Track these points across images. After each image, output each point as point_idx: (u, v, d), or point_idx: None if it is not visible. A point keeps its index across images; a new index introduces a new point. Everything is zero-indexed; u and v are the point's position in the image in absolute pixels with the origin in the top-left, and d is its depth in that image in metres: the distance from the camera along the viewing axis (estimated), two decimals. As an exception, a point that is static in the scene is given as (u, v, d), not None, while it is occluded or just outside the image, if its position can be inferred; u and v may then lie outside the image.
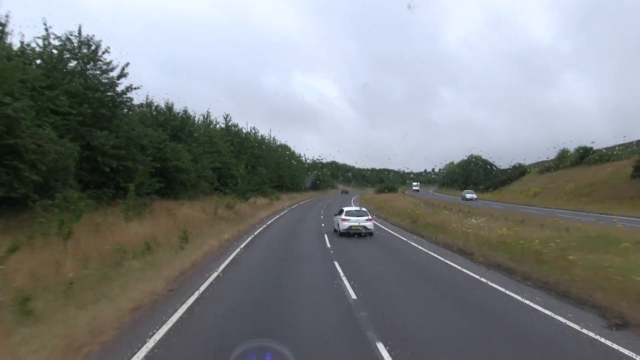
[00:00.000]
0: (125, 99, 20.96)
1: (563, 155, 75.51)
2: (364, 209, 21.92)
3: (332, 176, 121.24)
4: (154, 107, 32.49)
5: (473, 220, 20.84)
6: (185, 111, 34.12)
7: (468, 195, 55.89)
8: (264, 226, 24.61)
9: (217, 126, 47.66)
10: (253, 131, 59.50)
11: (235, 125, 52.72)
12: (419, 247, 16.67)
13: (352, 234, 19.35)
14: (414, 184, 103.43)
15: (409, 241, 18.56)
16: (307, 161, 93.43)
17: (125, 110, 22.25)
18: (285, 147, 76.89)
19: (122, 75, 20.41)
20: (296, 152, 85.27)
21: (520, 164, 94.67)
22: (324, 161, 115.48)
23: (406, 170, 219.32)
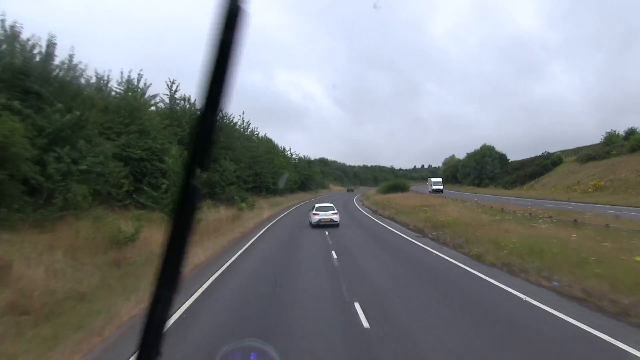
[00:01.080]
0: None
1: (611, 140, 60.02)
2: (331, 204, 25.00)
3: (322, 174, 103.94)
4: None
5: None
6: (50, 43, 16.73)
7: None
8: None
9: (150, 94, 29.00)
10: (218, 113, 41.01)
11: (187, 99, 34.25)
12: None
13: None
14: (433, 180, 71.72)
15: None
16: (294, 157, 76.13)
17: None
18: (267, 140, 59.53)
19: None
20: (280, 147, 67.89)
21: (548, 152, 78.75)
22: (312, 158, 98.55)
23: (395, 167, 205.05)
